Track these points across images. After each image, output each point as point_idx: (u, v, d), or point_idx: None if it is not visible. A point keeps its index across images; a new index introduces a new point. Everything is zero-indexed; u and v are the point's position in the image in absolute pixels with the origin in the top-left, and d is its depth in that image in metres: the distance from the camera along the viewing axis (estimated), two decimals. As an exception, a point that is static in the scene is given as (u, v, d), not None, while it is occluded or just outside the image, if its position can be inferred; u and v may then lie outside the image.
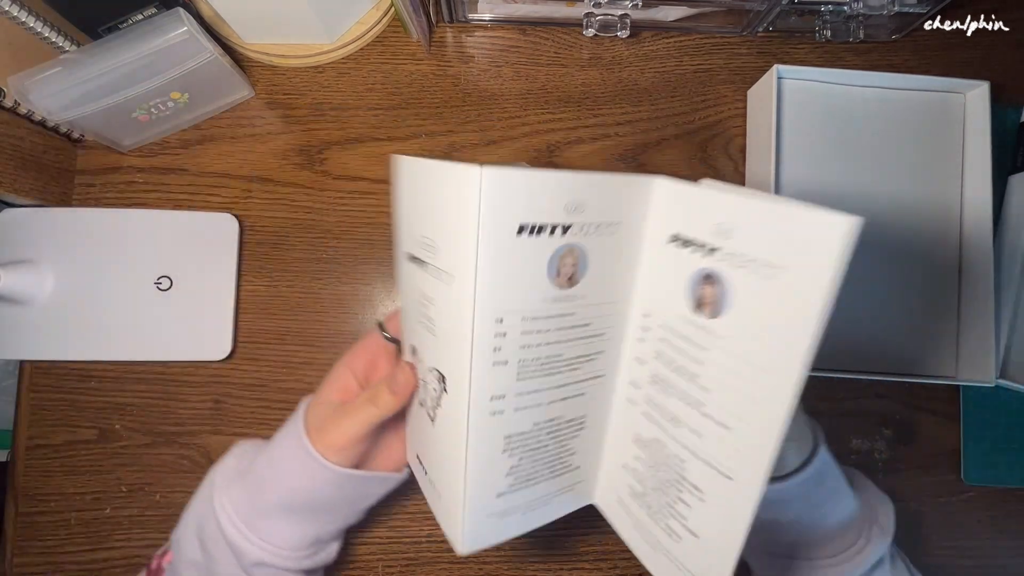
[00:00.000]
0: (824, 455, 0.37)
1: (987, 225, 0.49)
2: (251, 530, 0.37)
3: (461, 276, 0.28)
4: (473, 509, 0.32)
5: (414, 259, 0.32)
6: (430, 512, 0.49)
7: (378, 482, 0.39)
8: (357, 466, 0.38)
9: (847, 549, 0.39)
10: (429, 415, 0.34)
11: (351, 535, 0.45)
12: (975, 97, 0.51)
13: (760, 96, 0.51)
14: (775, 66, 0.48)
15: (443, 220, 0.29)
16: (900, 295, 0.51)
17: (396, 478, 0.40)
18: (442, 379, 0.31)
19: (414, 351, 0.35)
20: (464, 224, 0.27)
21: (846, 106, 0.52)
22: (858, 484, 0.42)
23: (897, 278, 0.51)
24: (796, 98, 0.51)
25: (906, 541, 0.51)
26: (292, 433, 0.38)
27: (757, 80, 0.52)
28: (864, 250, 0.50)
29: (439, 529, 0.49)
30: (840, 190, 0.51)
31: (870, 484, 0.43)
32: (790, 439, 0.31)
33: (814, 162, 0.51)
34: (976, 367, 0.49)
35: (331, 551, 0.41)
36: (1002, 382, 0.49)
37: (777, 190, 0.49)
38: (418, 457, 0.37)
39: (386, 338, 0.39)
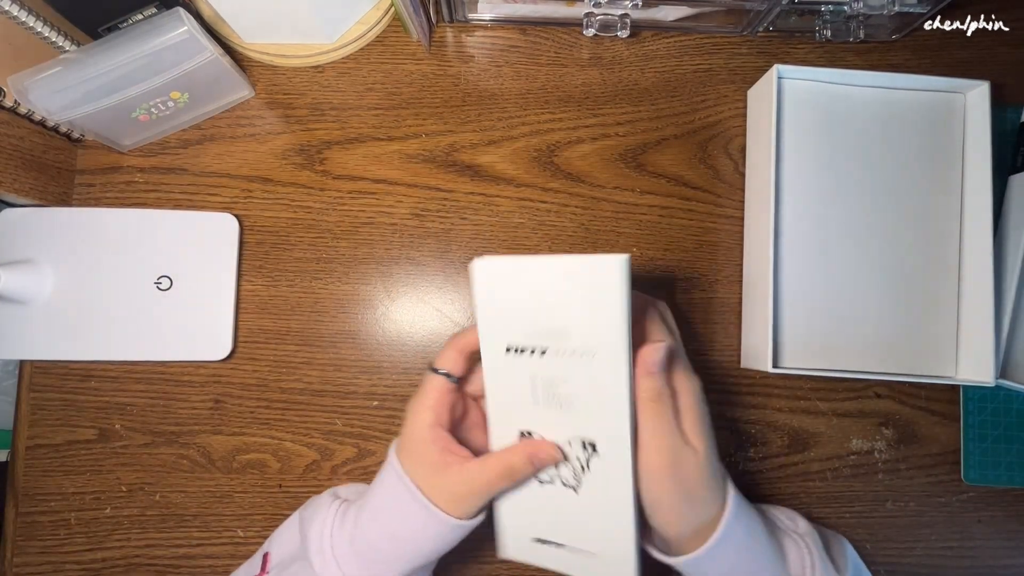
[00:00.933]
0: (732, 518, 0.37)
1: (987, 225, 0.49)
2: None
3: (609, 349, 0.34)
4: (639, 554, 0.37)
5: (521, 350, 0.36)
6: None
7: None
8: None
9: None
10: (570, 486, 0.37)
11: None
12: (975, 97, 0.51)
13: (760, 96, 0.51)
14: (775, 66, 0.48)
15: (583, 305, 0.34)
16: (900, 295, 0.51)
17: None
18: (590, 445, 0.36)
19: (528, 434, 0.38)
20: (614, 304, 0.33)
21: (846, 106, 0.52)
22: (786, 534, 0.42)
23: (896, 277, 0.51)
24: (796, 98, 0.51)
25: (906, 541, 0.52)
26: (409, 502, 0.37)
27: (757, 80, 0.52)
28: (863, 248, 0.50)
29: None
30: (840, 190, 0.51)
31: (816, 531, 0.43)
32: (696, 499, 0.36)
33: (814, 162, 0.51)
34: (976, 367, 0.49)
35: None
36: (1002, 382, 0.49)
37: (777, 190, 0.49)
38: (539, 539, 0.39)
39: (448, 377, 0.39)
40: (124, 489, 0.49)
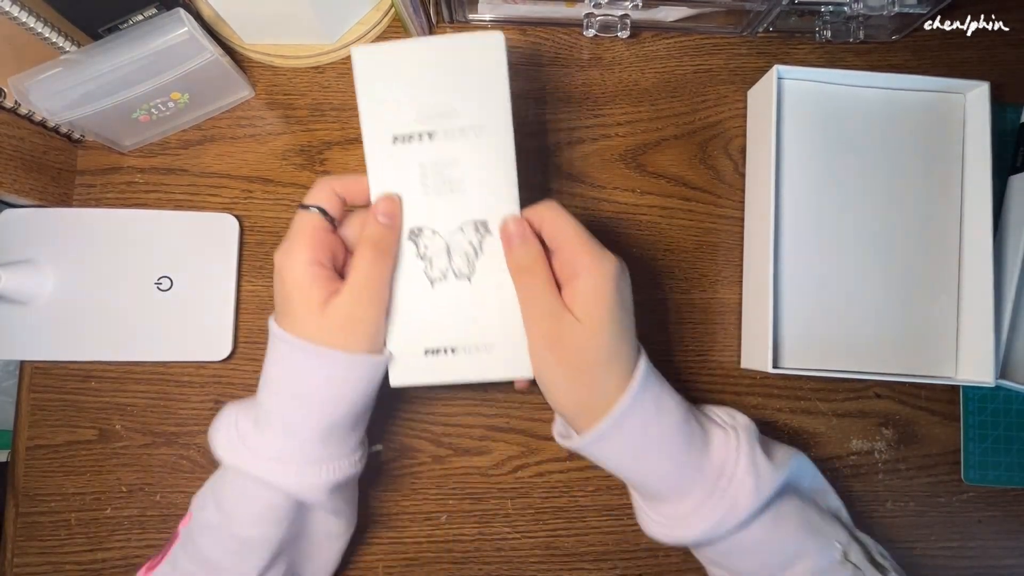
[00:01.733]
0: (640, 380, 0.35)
1: (987, 225, 0.49)
2: (311, 463, 0.36)
3: (495, 123, 0.36)
4: None
5: (409, 138, 0.36)
6: (430, 512, 0.50)
7: None
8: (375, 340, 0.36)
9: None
10: (464, 275, 0.37)
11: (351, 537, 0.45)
12: (975, 97, 0.51)
13: (760, 96, 0.51)
14: (775, 66, 0.48)
15: (466, 82, 0.36)
16: (900, 295, 0.51)
17: None
18: (482, 226, 0.37)
19: (417, 232, 0.37)
20: (495, 78, 0.36)
21: (847, 106, 0.52)
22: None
23: (896, 278, 0.51)
24: (796, 98, 0.51)
25: (906, 541, 0.52)
26: (301, 359, 0.35)
27: (757, 80, 0.52)
28: (863, 249, 0.50)
29: (439, 529, 0.50)
30: (840, 190, 0.51)
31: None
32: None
33: (814, 162, 0.51)
34: (976, 367, 0.49)
35: (365, 440, 0.40)
36: (1002, 382, 0.49)
37: (777, 190, 0.49)
38: (430, 350, 0.37)
39: (321, 213, 0.36)
40: (124, 490, 0.49)
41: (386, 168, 0.37)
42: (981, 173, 0.50)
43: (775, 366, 0.47)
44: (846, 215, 0.51)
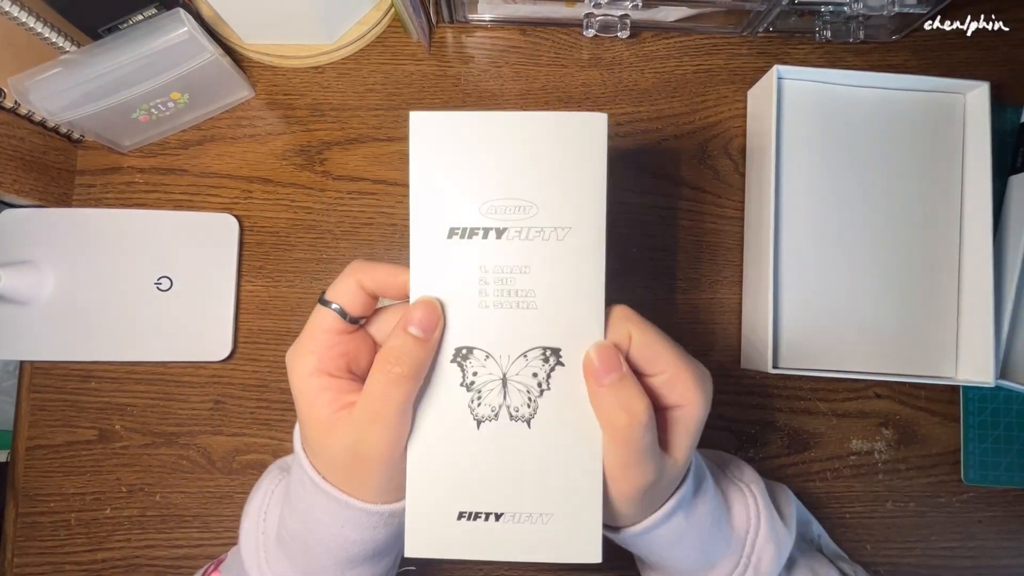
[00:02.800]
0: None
1: (987, 225, 0.49)
2: None
3: (586, 225, 0.29)
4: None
5: (470, 233, 0.29)
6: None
7: None
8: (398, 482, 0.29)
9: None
10: (522, 418, 0.29)
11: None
12: (975, 97, 0.51)
13: (760, 97, 0.51)
14: (775, 66, 0.48)
15: (553, 171, 0.29)
16: (899, 295, 0.51)
17: None
18: (553, 354, 0.29)
19: (465, 353, 0.29)
20: (592, 169, 0.29)
21: (846, 107, 0.52)
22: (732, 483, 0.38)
23: (896, 278, 0.51)
24: (796, 99, 0.51)
25: (906, 541, 0.52)
26: (308, 485, 0.30)
27: (757, 80, 0.52)
28: (863, 249, 0.50)
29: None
30: (840, 190, 0.51)
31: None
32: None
33: (814, 163, 0.51)
34: (976, 367, 0.49)
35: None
36: (1002, 382, 0.49)
37: (777, 191, 0.49)
38: (465, 513, 0.29)
39: (340, 314, 0.30)
40: (124, 490, 0.49)
41: (435, 266, 0.29)
42: (981, 173, 0.50)
43: (775, 366, 0.47)
44: (846, 215, 0.51)
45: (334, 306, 0.30)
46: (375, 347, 0.31)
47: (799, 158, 0.51)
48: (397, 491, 0.29)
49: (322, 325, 0.29)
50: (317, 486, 0.29)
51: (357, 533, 0.30)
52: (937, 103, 0.52)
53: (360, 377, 0.30)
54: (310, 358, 0.29)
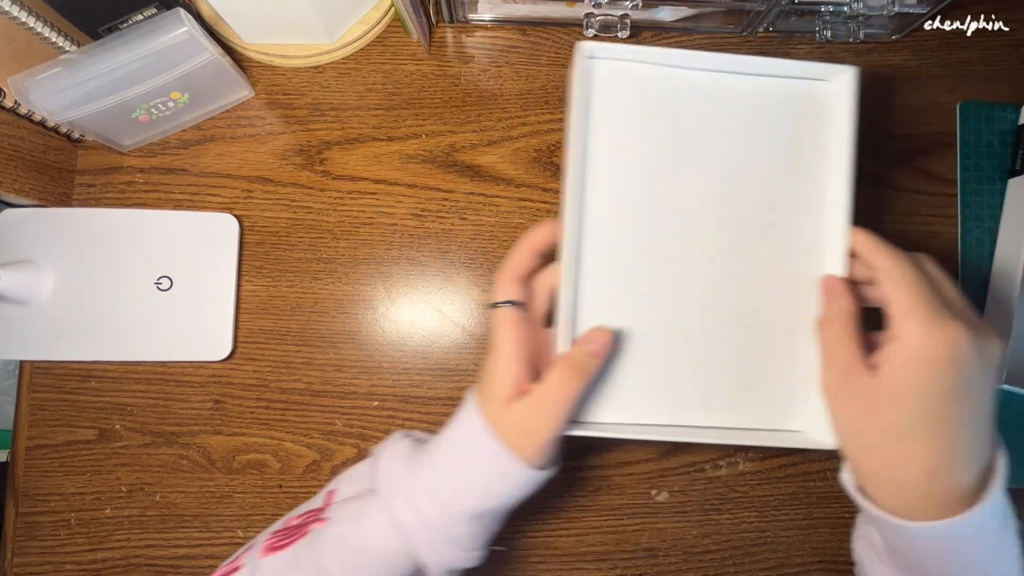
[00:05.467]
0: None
1: (841, 232, 0.38)
2: (446, 540, 0.35)
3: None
4: None
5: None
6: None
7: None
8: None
9: None
10: None
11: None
12: (841, 84, 0.40)
13: (573, 81, 0.39)
14: (578, 43, 0.38)
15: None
16: (753, 323, 0.40)
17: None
18: None
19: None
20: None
21: (682, 94, 0.40)
22: None
23: (748, 305, 0.40)
24: (617, 85, 0.40)
25: (906, 541, 0.52)
26: (483, 441, 0.35)
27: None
28: (707, 272, 0.40)
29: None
30: (671, 198, 0.40)
31: None
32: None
33: (639, 165, 0.39)
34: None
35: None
36: (1004, 386, 0.49)
37: (584, 201, 0.39)
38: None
39: (513, 305, 0.36)
40: (124, 489, 0.49)
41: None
42: (844, 167, 0.39)
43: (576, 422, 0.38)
44: (685, 225, 0.40)
45: (504, 302, 0.36)
46: (540, 331, 0.38)
47: (618, 160, 0.39)
48: (547, 460, 0.36)
49: (507, 320, 0.36)
50: (493, 444, 0.34)
51: (506, 487, 0.35)
52: (798, 92, 0.41)
53: (539, 366, 0.37)
54: (509, 346, 0.36)
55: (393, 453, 0.38)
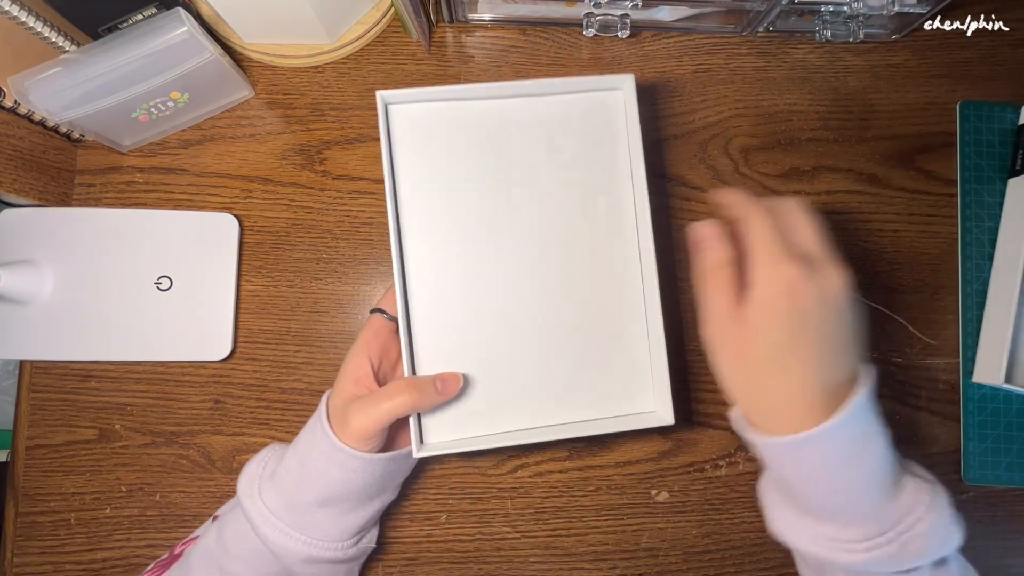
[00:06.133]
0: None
1: (647, 229, 0.43)
2: (295, 528, 0.38)
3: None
4: None
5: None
6: (430, 512, 0.50)
7: (404, 458, 0.41)
8: (385, 448, 0.40)
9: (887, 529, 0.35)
10: None
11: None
12: (626, 90, 0.44)
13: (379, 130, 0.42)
14: (378, 93, 0.41)
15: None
16: (576, 324, 0.43)
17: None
18: None
19: None
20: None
21: (485, 124, 0.43)
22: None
23: (568, 305, 0.43)
24: (417, 124, 0.43)
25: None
26: (317, 429, 0.39)
27: (757, 80, 0.52)
28: (523, 286, 0.43)
29: (439, 529, 0.50)
30: (488, 221, 0.43)
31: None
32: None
33: (453, 192, 0.43)
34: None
35: (372, 536, 0.43)
36: (1005, 386, 0.49)
37: (402, 237, 0.42)
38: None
39: (384, 315, 0.42)
40: (124, 489, 0.49)
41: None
42: (637, 174, 0.43)
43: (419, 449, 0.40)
44: (504, 247, 0.43)
45: (377, 309, 0.42)
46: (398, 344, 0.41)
47: (428, 191, 0.43)
48: (376, 446, 0.39)
49: (371, 326, 0.42)
50: (327, 434, 0.38)
51: (340, 473, 0.38)
52: (596, 103, 0.45)
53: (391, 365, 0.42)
54: (361, 348, 0.41)
55: (253, 461, 0.42)
